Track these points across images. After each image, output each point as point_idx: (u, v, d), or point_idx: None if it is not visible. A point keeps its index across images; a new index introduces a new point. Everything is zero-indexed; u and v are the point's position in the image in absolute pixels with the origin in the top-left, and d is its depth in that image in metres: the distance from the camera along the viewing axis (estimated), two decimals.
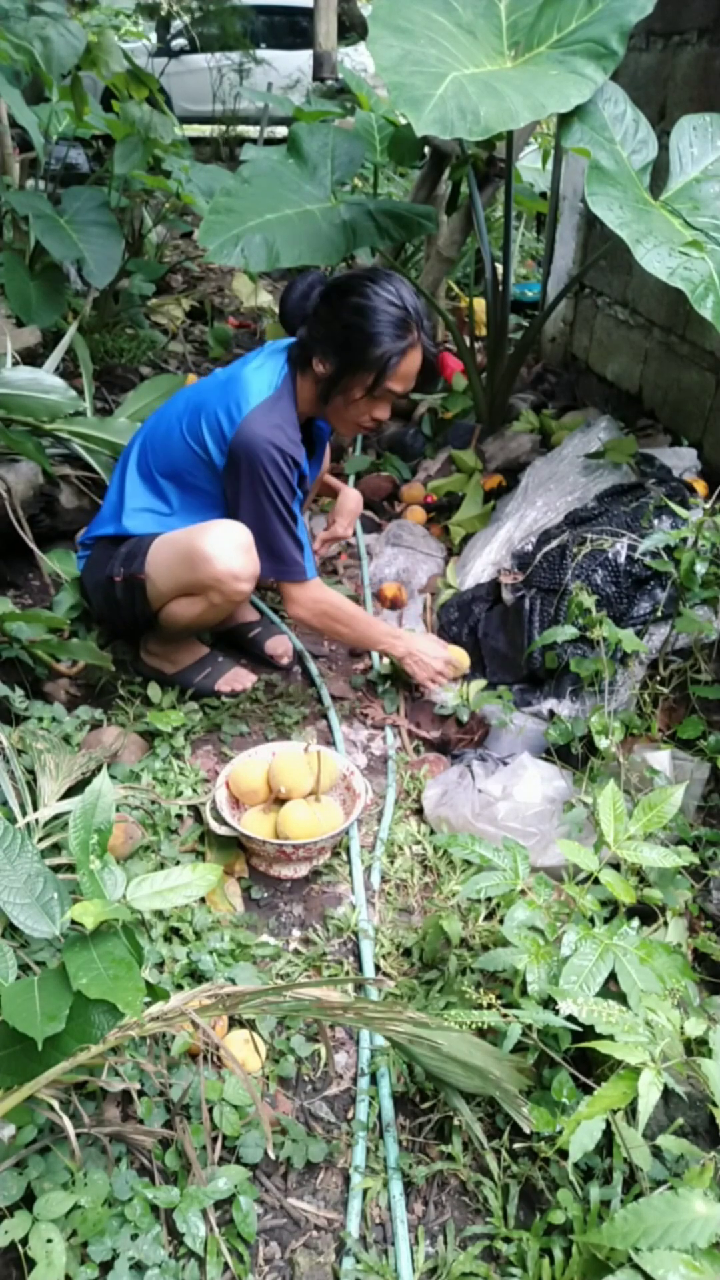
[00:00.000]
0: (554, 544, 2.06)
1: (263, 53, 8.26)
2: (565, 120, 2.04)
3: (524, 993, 1.21)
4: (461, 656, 2.14)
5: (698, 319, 1.82)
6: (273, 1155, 1.24)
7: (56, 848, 1.55)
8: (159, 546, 1.89)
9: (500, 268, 2.92)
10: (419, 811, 1.86)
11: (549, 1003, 1.18)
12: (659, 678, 1.84)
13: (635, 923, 1.27)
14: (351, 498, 2.40)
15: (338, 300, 1.79)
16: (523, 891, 1.31)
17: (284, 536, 1.88)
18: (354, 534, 2.76)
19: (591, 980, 1.15)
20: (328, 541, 2.41)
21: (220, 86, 8.10)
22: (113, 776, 1.76)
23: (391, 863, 1.74)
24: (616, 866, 1.36)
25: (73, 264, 3.46)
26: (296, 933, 1.61)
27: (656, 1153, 1.16)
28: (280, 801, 1.74)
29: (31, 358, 2.98)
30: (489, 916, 1.59)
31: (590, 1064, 1.24)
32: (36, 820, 1.52)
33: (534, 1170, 1.20)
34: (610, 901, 1.35)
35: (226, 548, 1.81)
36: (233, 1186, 1.16)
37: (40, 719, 1.87)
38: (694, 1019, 1.12)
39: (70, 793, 1.59)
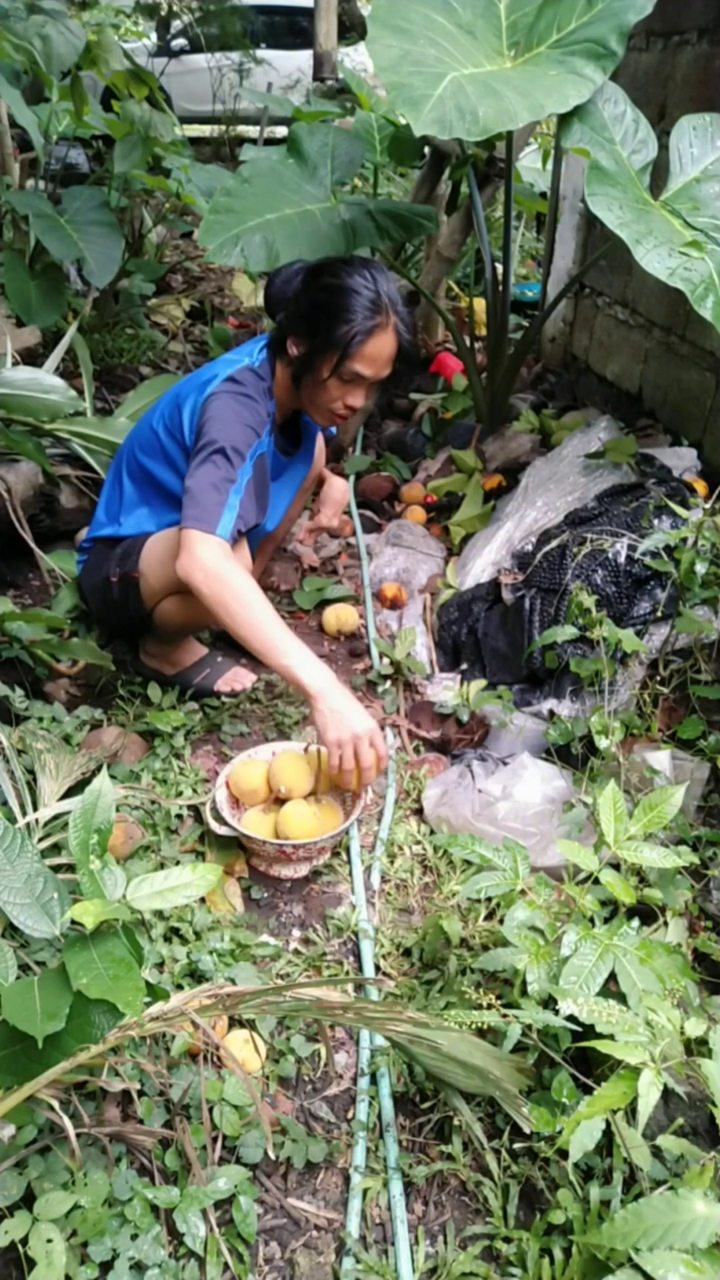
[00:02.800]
0: (554, 544, 2.06)
1: (263, 53, 8.26)
2: (565, 120, 2.04)
3: (524, 993, 1.21)
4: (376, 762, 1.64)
5: (698, 319, 1.82)
6: (273, 1155, 1.24)
7: (56, 848, 1.55)
8: (152, 544, 1.90)
9: (500, 268, 2.93)
10: (419, 811, 1.86)
11: (549, 1003, 1.18)
12: (659, 678, 1.84)
13: (635, 923, 1.27)
14: (337, 487, 2.38)
15: (312, 281, 1.81)
16: (523, 891, 1.31)
17: (207, 478, 1.69)
18: (353, 532, 2.76)
19: (591, 980, 1.15)
20: (313, 532, 2.40)
21: (220, 86, 8.10)
22: (113, 776, 1.76)
23: (391, 863, 1.74)
24: (616, 866, 1.36)
25: (73, 264, 3.46)
26: (296, 933, 1.61)
27: (656, 1153, 1.16)
28: (280, 801, 1.74)
29: (31, 358, 2.98)
30: (489, 916, 1.59)
31: (590, 1064, 1.24)
32: (36, 820, 1.52)
33: (534, 1170, 1.20)
34: (610, 901, 1.35)
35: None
36: (233, 1186, 1.16)
37: (40, 719, 1.87)
38: (694, 1019, 1.12)
39: (70, 793, 1.59)
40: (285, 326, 1.86)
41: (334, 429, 2.35)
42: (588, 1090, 1.15)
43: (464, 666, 2.23)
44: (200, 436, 1.78)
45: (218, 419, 1.77)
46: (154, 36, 8.72)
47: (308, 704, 1.64)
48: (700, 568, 1.74)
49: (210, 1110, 1.24)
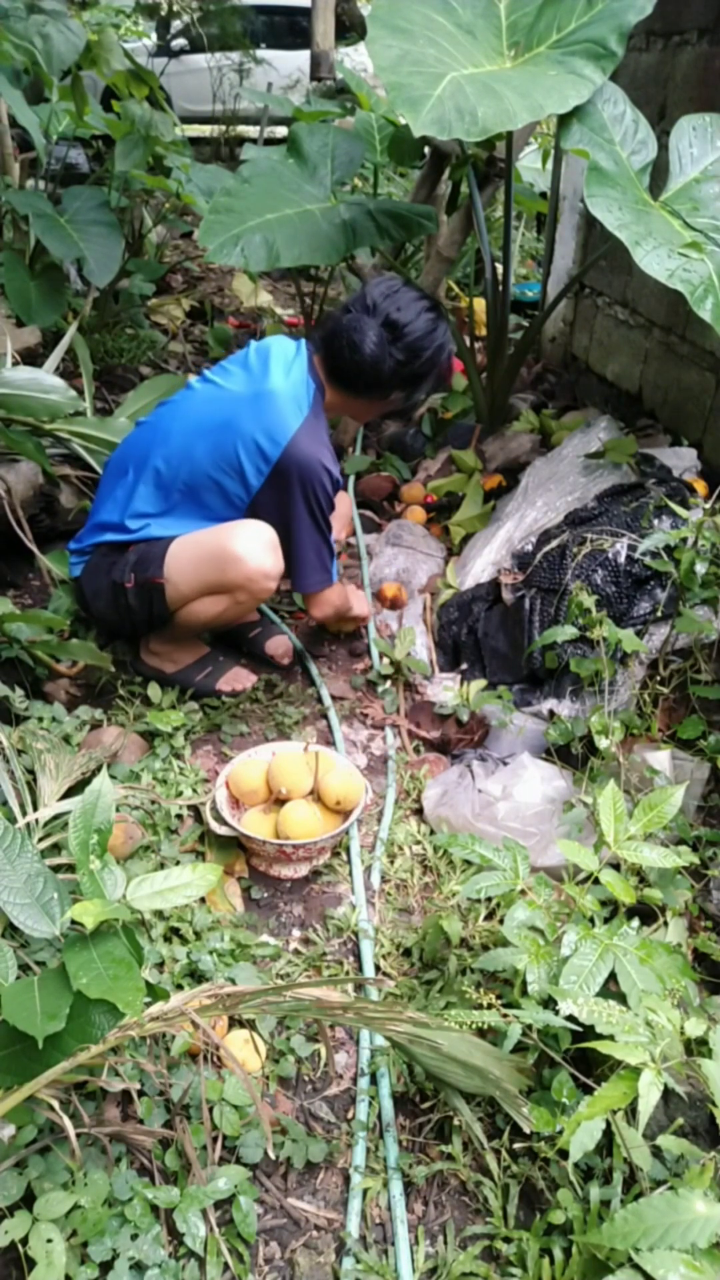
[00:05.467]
0: (554, 544, 2.06)
1: (263, 53, 8.25)
2: (564, 121, 2.04)
3: (524, 993, 1.21)
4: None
5: (698, 319, 1.82)
6: (273, 1155, 1.24)
7: (56, 848, 1.55)
8: (180, 549, 1.90)
9: (500, 268, 2.92)
10: (419, 811, 1.86)
11: (549, 1003, 1.18)
12: (659, 678, 1.84)
13: (635, 923, 1.27)
14: (341, 502, 2.44)
15: (401, 341, 1.94)
16: (523, 891, 1.31)
17: (324, 548, 2.02)
18: (353, 533, 2.76)
19: (591, 980, 1.15)
20: None
21: (220, 86, 8.09)
22: (113, 776, 1.76)
23: (391, 863, 1.74)
24: (616, 866, 1.36)
25: (73, 264, 3.46)
26: (296, 933, 1.61)
27: (656, 1153, 1.16)
28: (280, 802, 1.74)
29: (31, 358, 2.98)
30: (489, 916, 1.59)
31: (590, 1064, 1.24)
32: (36, 820, 1.52)
33: (534, 1170, 1.20)
34: (610, 901, 1.35)
35: (256, 548, 1.87)
36: (233, 1186, 1.17)
37: (40, 719, 1.87)
38: (694, 1019, 1.12)
39: (70, 793, 1.59)
40: (368, 364, 1.92)
41: None
42: (588, 1090, 1.15)
43: (464, 666, 2.23)
44: (299, 490, 1.92)
45: (316, 479, 1.92)
46: (154, 36, 8.72)
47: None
48: (700, 568, 1.74)
49: (210, 1110, 1.24)
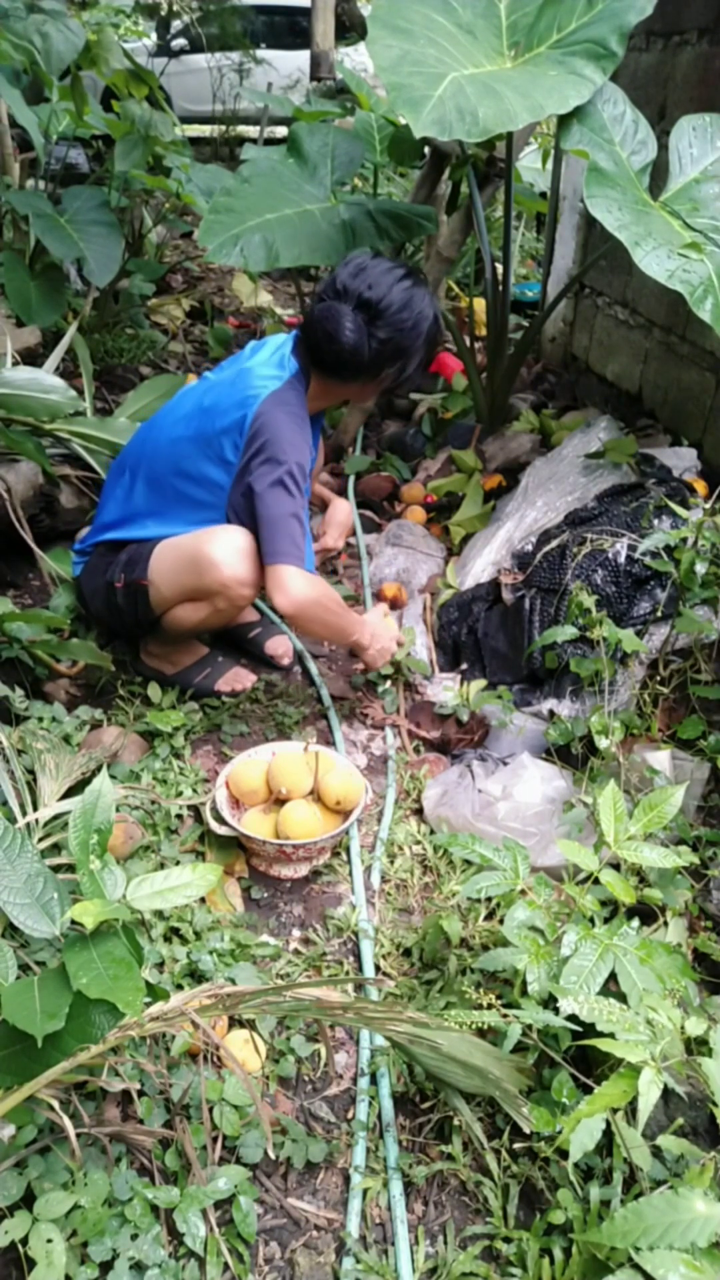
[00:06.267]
0: (554, 544, 2.06)
1: (263, 53, 8.24)
2: (564, 121, 2.04)
3: (524, 993, 1.21)
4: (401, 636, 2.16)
5: (698, 319, 1.82)
6: (273, 1155, 1.24)
7: (56, 848, 1.55)
8: (162, 552, 1.89)
9: (500, 268, 2.92)
10: (419, 811, 1.86)
11: (549, 1003, 1.18)
12: (659, 678, 1.84)
13: (635, 923, 1.27)
14: (341, 509, 2.36)
15: (381, 319, 1.86)
16: (523, 891, 1.31)
17: (284, 508, 1.81)
18: (353, 533, 2.76)
19: (591, 980, 1.15)
20: (319, 554, 2.39)
21: (220, 86, 8.09)
22: (113, 776, 1.76)
23: (391, 863, 1.74)
24: (616, 866, 1.36)
25: (73, 264, 3.46)
26: (296, 933, 1.61)
27: (656, 1153, 1.16)
28: (280, 802, 1.74)
29: (31, 358, 2.98)
30: (489, 916, 1.59)
31: (590, 1064, 1.24)
32: (36, 820, 1.52)
33: (534, 1170, 1.20)
34: (610, 901, 1.35)
35: (232, 554, 1.82)
36: (233, 1186, 1.17)
37: (40, 719, 1.87)
38: (694, 1019, 1.12)
39: (70, 793, 1.59)
40: (348, 352, 1.84)
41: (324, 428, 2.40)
42: (588, 1090, 1.15)
43: (464, 666, 2.23)
44: (260, 454, 1.80)
45: (279, 440, 1.81)
46: (154, 36, 8.72)
47: (361, 658, 2.06)
48: (700, 568, 1.74)
49: (210, 1110, 1.24)
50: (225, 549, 1.82)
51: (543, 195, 4.11)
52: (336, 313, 1.82)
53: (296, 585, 1.78)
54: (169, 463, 1.93)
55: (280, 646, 2.25)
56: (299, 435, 1.84)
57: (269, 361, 1.92)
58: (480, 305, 3.80)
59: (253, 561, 1.84)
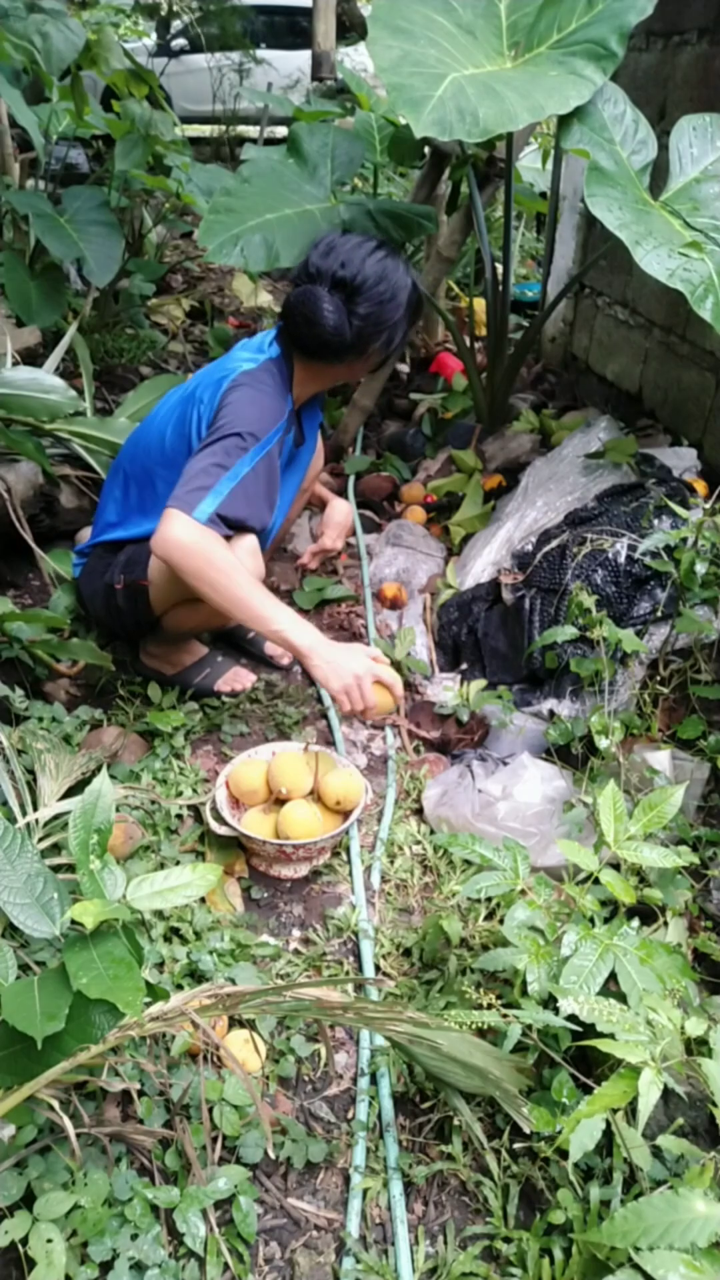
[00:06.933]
0: (554, 544, 2.06)
1: (263, 53, 8.25)
2: (565, 121, 2.04)
3: (524, 993, 1.21)
4: (388, 691, 1.75)
5: (698, 319, 1.82)
6: (273, 1155, 1.24)
7: (56, 848, 1.55)
8: None
9: (500, 268, 2.92)
10: (419, 811, 1.86)
11: (549, 1003, 1.18)
12: (659, 678, 1.84)
13: (635, 923, 1.27)
14: (340, 510, 2.34)
15: (358, 297, 1.82)
16: (523, 891, 1.31)
17: (202, 461, 1.69)
18: (353, 533, 2.76)
19: (591, 980, 1.15)
20: (316, 555, 2.37)
21: (220, 86, 8.10)
22: (113, 776, 1.76)
23: (391, 863, 1.74)
24: (616, 866, 1.36)
25: (73, 264, 3.46)
26: (296, 933, 1.61)
27: (656, 1153, 1.16)
28: (280, 802, 1.74)
29: (31, 358, 2.98)
30: (489, 916, 1.59)
31: (590, 1064, 1.24)
32: (36, 820, 1.52)
33: (534, 1170, 1.20)
34: (610, 901, 1.35)
35: (238, 554, 1.80)
36: (233, 1186, 1.17)
37: (40, 719, 1.87)
38: (694, 1019, 1.12)
39: (70, 793, 1.59)
40: (330, 333, 1.80)
41: (324, 428, 2.38)
42: (588, 1090, 1.15)
43: (464, 666, 2.23)
44: (215, 422, 1.77)
45: (233, 407, 1.77)
46: (154, 36, 8.72)
47: (303, 663, 1.70)
48: (700, 568, 1.74)
49: (210, 1110, 1.24)
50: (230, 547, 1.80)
51: (543, 195, 4.11)
52: (312, 295, 1.79)
53: (173, 527, 1.62)
54: (158, 458, 1.93)
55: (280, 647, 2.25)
56: (258, 408, 1.78)
57: (249, 347, 1.92)
58: (480, 305, 3.80)
59: (254, 559, 1.82)
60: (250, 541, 1.77)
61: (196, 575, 1.64)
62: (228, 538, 1.69)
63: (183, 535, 1.62)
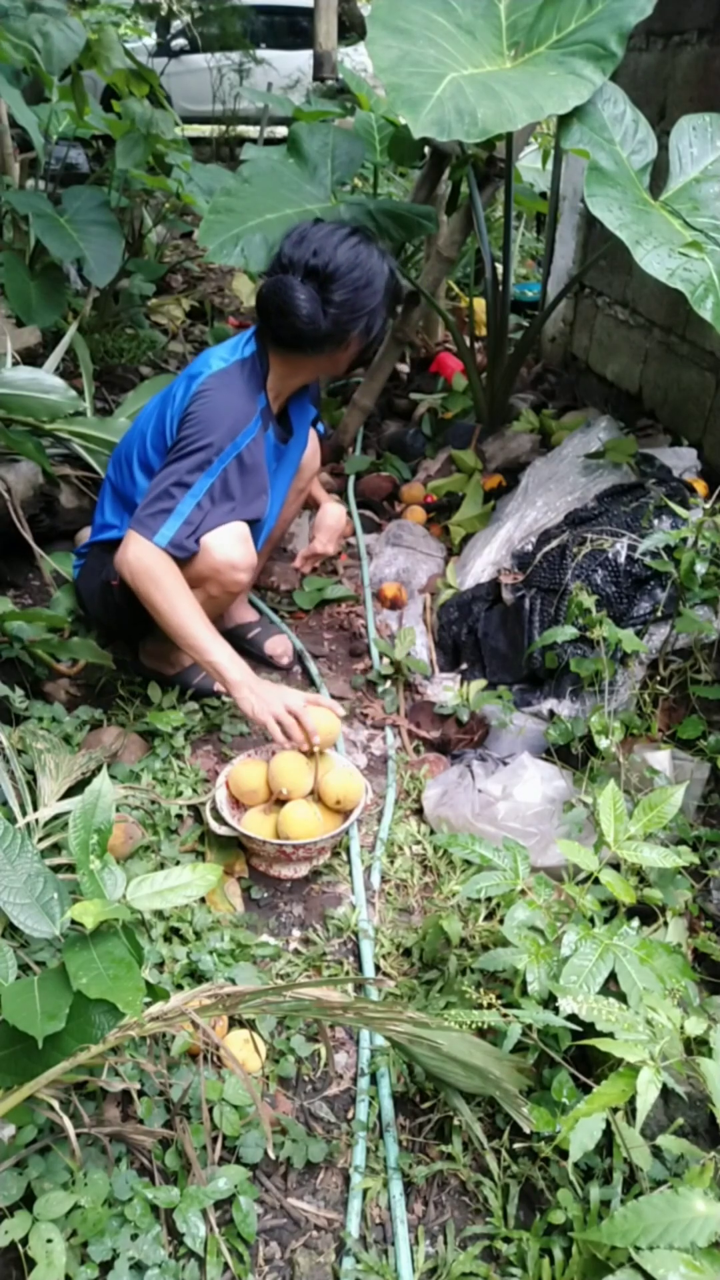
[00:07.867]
0: (554, 544, 2.06)
1: (263, 53, 8.25)
2: (564, 121, 2.04)
3: (524, 993, 1.21)
4: (328, 730, 1.77)
5: (698, 319, 1.82)
6: (273, 1155, 1.24)
7: (56, 848, 1.55)
8: None
9: (500, 268, 2.92)
10: (419, 811, 1.86)
11: (549, 1002, 1.18)
12: (659, 678, 1.84)
13: (635, 923, 1.27)
14: (332, 514, 2.31)
15: (331, 287, 1.80)
16: (523, 891, 1.31)
17: (165, 481, 1.74)
18: (353, 534, 2.76)
19: (591, 980, 1.15)
20: (309, 559, 2.34)
21: (220, 86, 8.10)
22: (113, 776, 1.76)
23: (391, 863, 1.74)
24: (616, 866, 1.36)
25: (73, 264, 3.46)
26: (296, 933, 1.61)
27: (656, 1152, 1.16)
28: (280, 802, 1.74)
29: (31, 358, 2.98)
30: (489, 916, 1.59)
31: (590, 1064, 1.24)
32: (36, 820, 1.52)
33: (534, 1170, 1.20)
34: (610, 901, 1.35)
35: (223, 539, 1.80)
36: (233, 1186, 1.17)
37: (40, 719, 1.87)
38: (694, 1019, 1.12)
39: (70, 793, 1.59)
40: (305, 322, 1.79)
41: (324, 429, 2.37)
42: (588, 1090, 1.15)
43: (464, 666, 2.23)
44: (182, 427, 1.78)
45: (197, 417, 1.77)
46: (154, 36, 8.73)
47: (232, 695, 1.75)
48: (700, 568, 1.74)
49: (210, 1110, 1.24)
50: (215, 534, 1.80)
51: (543, 195, 4.11)
52: (285, 285, 1.78)
53: (130, 549, 1.71)
54: (140, 458, 1.93)
55: (280, 646, 2.25)
56: (221, 415, 1.79)
57: (225, 347, 1.92)
58: (480, 305, 3.80)
59: (245, 545, 1.84)
60: (239, 529, 1.80)
61: (145, 598, 1.72)
62: (190, 557, 1.76)
63: (133, 559, 1.70)
